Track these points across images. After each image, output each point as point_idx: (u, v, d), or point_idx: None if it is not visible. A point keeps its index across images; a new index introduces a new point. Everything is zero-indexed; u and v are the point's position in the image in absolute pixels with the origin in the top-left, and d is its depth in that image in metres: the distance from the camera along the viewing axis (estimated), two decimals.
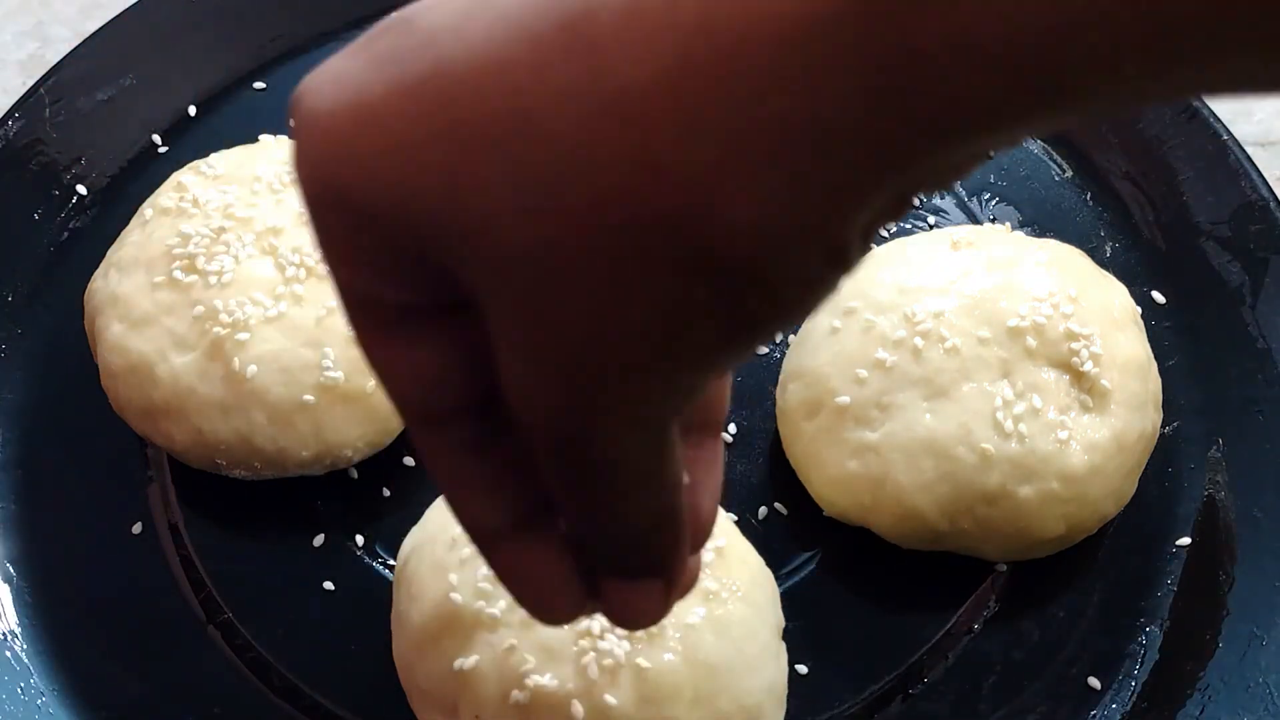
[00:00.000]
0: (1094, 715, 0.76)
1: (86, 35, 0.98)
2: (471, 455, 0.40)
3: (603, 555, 0.43)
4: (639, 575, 0.44)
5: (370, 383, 0.78)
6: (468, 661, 0.66)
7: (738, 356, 0.35)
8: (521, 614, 0.64)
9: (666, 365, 0.35)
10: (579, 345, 0.33)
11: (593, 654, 0.65)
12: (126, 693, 0.77)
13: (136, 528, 0.82)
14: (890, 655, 0.78)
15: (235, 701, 0.77)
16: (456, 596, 0.68)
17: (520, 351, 0.34)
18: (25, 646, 0.78)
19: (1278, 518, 0.81)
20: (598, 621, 0.66)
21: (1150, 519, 0.82)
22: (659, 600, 0.45)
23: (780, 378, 0.83)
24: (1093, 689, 0.77)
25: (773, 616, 0.72)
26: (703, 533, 0.47)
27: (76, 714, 0.76)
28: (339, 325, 0.78)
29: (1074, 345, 0.76)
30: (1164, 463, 0.83)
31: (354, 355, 0.77)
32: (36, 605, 0.80)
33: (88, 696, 0.77)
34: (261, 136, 0.89)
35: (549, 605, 0.45)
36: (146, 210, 0.84)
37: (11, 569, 0.81)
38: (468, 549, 0.69)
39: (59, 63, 0.97)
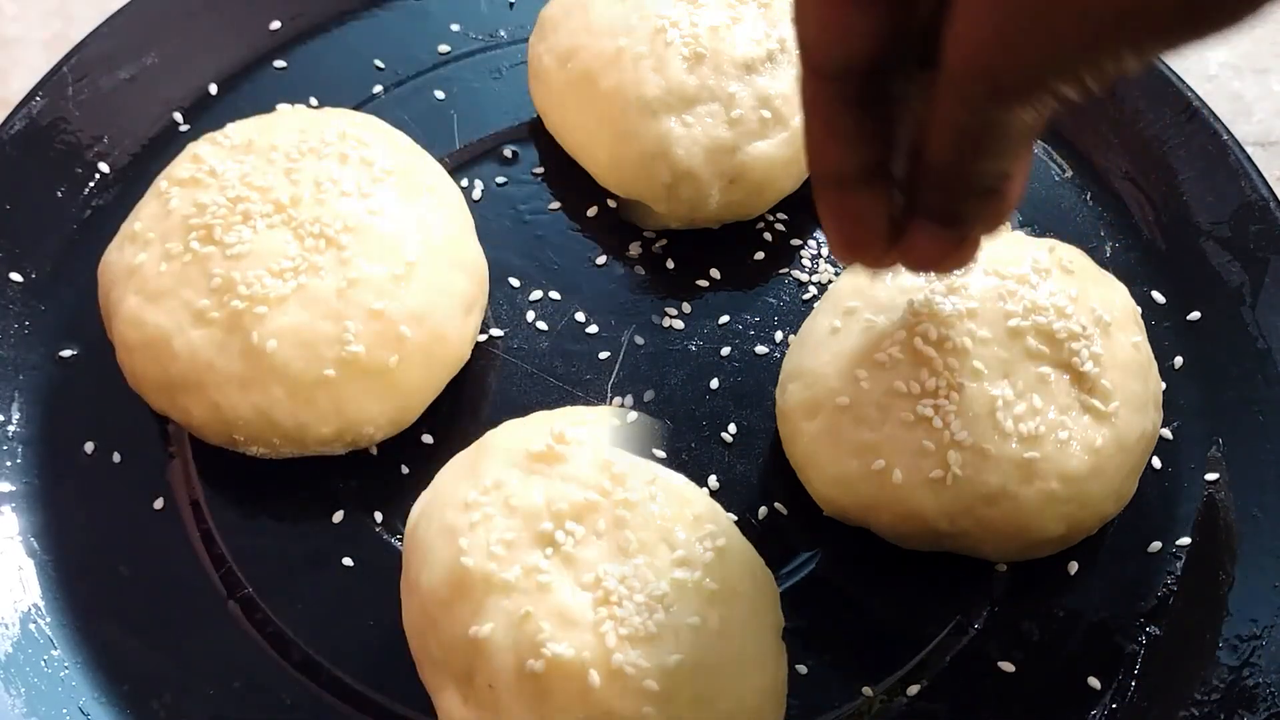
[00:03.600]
0: (1094, 715, 0.76)
1: (109, 14, 0.99)
2: (850, 108, 0.52)
3: (934, 200, 0.54)
4: (951, 223, 0.55)
5: (393, 357, 0.78)
6: (483, 629, 0.66)
7: (1170, 45, 0.43)
8: (536, 579, 0.66)
9: (1118, 35, 0.42)
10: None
11: (610, 622, 0.65)
12: (147, 666, 0.78)
13: (158, 503, 0.83)
14: (890, 655, 0.78)
15: (254, 675, 0.77)
16: (468, 560, 0.67)
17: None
18: (49, 620, 0.79)
19: (1277, 517, 0.81)
20: (615, 590, 0.66)
21: (1150, 519, 0.82)
22: (954, 249, 0.57)
23: (780, 378, 0.83)
24: (1092, 689, 0.77)
25: (772, 617, 0.72)
26: (1005, 213, 0.57)
27: (98, 686, 0.77)
28: (360, 297, 0.77)
29: (1074, 345, 0.76)
30: (1164, 463, 0.83)
31: (376, 329, 0.78)
32: (59, 580, 0.80)
33: (109, 669, 0.77)
34: (279, 105, 0.90)
35: (863, 243, 0.58)
36: (162, 183, 0.83)
37: (35, 544, 0.81)
38: (479, 513, 0.69)
39: (82, 41, 0.97)
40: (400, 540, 0.81)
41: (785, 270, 0.93)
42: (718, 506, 0.74)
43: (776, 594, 0.73)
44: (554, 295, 0.91)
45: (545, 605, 0.65)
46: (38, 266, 0.90)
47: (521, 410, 0.79)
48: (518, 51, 1.02)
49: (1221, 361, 0.87)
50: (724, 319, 0.91)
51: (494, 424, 0.76)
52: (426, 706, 0.72)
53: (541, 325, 0.90)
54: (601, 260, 0.93)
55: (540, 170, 0.97)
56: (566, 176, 0.96)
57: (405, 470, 0.84)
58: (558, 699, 0.64)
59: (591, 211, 0.95)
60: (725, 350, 0.89)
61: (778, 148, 0.89)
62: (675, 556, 0.68)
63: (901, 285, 0.79)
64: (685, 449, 0.85)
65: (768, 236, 0.94)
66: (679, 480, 0.74)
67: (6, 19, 1.12)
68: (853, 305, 0.80)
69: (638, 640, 0.65)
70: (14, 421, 0.85)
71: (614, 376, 0.88)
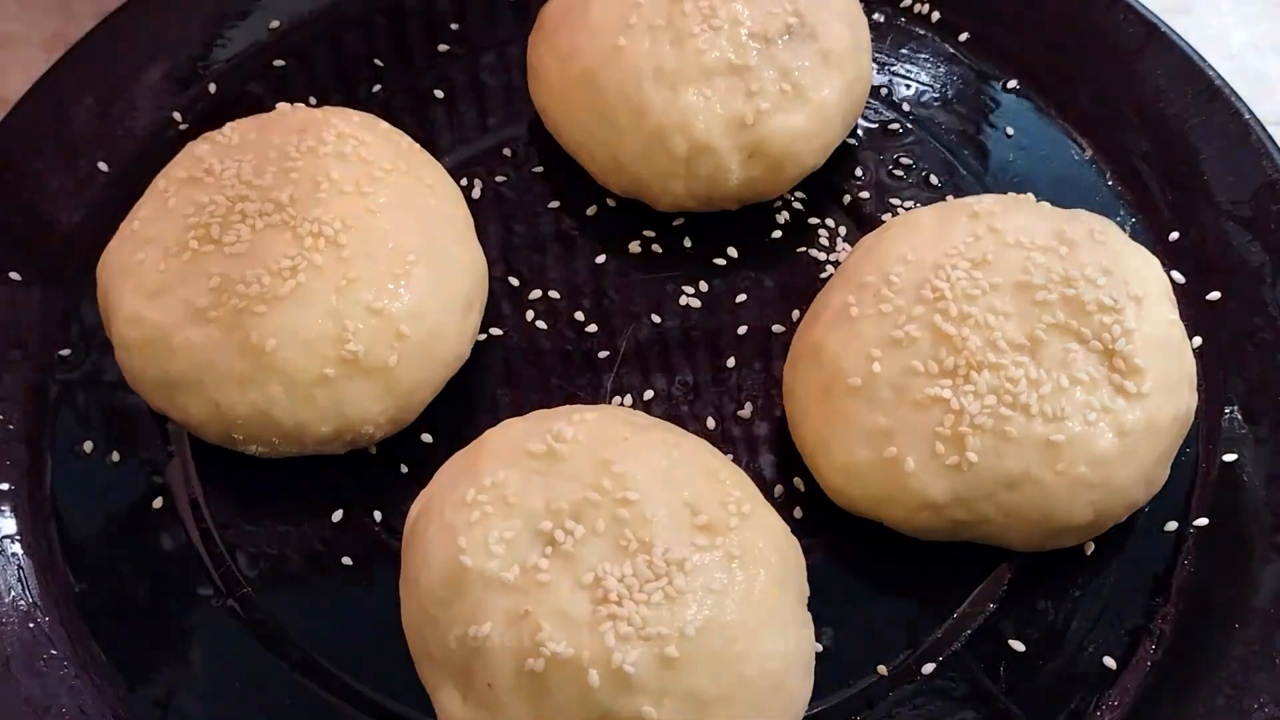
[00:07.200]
0: (1110, 694, 0.76)
1: (109, 14, 0.99)
2: None
3: None
4: None
5: (393, 356, 0.78)
6: (482, 628, 0.66)
7: None
8: (535, 578, 0.66)
9: None
10: None
11: (610, 622, 0.65)
12: (146, 665, 0.78)
13: (157, 502, 0.83)
14: (907, 633, 0.78)
15: (253, 674, 0.77)
16: (467, 559, 0.67)
17: None
18: (47, 619, 0.79)
19: None
20: (614, 589, 0.65)
21: (1168, 499, 0.81)
22: None
23: (789, 354, 0.82)
24: (1109, 669, 0.77)
25: (797, 584, 0.71)
26: None
27: (96, 685, 0.77)
28: (359, 295, 0.77)
29: (1105, 319, 0.73)
30: (1183, 442, 0.83)
31: (375, 327, 0.78)
32: (59, 579, 0.80)
33: (107, 668, 0.77)
34: (278, 105, 0.90)
35: None
36: (160, 182, 0.83)
37: (34, 543, 0.81)
38: (478, 512, 0.69)
39: (81, 40, 0.97)
40: (399, 539, 0.81)
41: (803, 249, 0.93)
42: (742, 473, 0.74)
43: (802, 562, 0.73)
44: (553, 295, 0.91)
45: (544, 604, 0.65)
46: (37, 265, 0.90)
47: (521, 409, 0.79)
48: (517, 50, 1.02)
49: (1241, 341, 0.87)
50: (741, 298, 0.91)
51: (493, 423, 0.76)
52: (425, 706, 0.72)
53: (541, 325, 0.90)
54: (601, 260, 0.93)
55: (539, 169, 0.97)
56: (566, 176, 0.96)
57: (404, 469, 0.84)
58: (557, 698, 0.64)
59: (591, 211, 0.95)
60: (741, 329, 0.90)
61: (798, 121, 0.88)
62: (698, 521, 0.68)
63: (921, 260, 0.77)
64: (700, 427, 0.86)
65: (785, 215, 0.94)
66: (702, 445, 0.73)
67: (6, 17, 1.12)
68: (868, 280, 0.77)
69: (655, 606, 0.65)
70: (13, 421, 0.85)
71: (613, 376, 0.88)
